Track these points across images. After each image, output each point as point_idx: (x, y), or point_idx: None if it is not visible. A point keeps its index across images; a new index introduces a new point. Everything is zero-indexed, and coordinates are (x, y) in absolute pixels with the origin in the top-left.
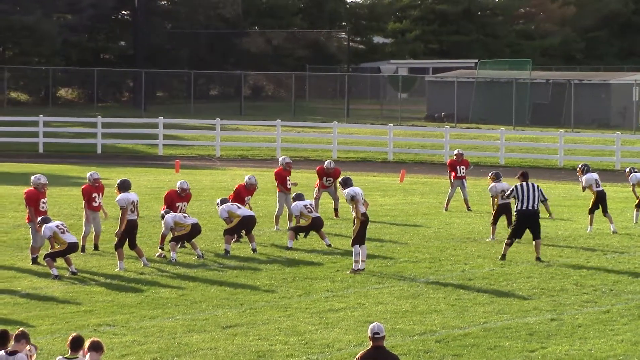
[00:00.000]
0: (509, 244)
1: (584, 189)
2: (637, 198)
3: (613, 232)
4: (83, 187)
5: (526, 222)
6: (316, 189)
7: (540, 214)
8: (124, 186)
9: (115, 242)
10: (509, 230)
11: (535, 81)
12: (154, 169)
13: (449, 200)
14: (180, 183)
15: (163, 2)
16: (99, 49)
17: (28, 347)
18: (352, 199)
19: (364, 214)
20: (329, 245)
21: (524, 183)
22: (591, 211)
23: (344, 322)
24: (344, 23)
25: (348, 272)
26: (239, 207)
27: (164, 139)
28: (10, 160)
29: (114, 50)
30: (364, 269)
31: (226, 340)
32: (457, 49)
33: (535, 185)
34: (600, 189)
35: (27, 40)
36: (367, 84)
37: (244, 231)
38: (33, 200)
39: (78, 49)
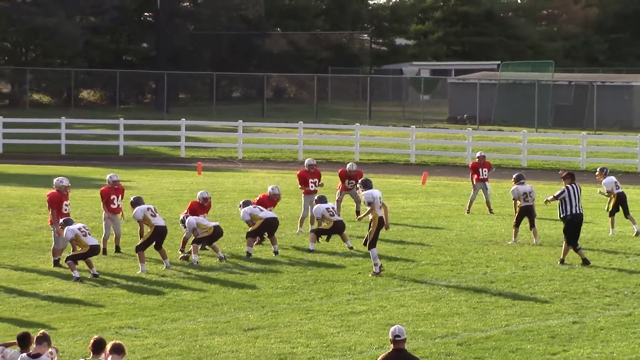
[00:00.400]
0: (567, 249)
1: (608, 193)
2: None
3: (636, 234)
4: (102, 189)
5: (576, 225)
6: (338, 191)
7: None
8: (137, 203)
9: (137, 245)
10: (564, 236)
11: (558, 83)
12: (176, 171)
13: (471, 202)
14: (201, 193)
15: (185, 4)
16: (121, 50)
17: (50, 350)
18: (370, 204)
19: (381, 218)
20: (351, 248)
21: (573, 185)
22: (612, 214)
23: (366, 325)
24: (366, 25)
25: (370, 275)
26: (261, 210)
27: (186, 141)
28: (33, 162)
29: (137, 52)
30: (380, 272)
31: (248, 342)
32: (480, 50)
33: (579, 186)
34: (620, 190)
35: (50, 42)
36: (389, 86)
37: (266, 233)
38: (55, 203)
39: (100, 51)
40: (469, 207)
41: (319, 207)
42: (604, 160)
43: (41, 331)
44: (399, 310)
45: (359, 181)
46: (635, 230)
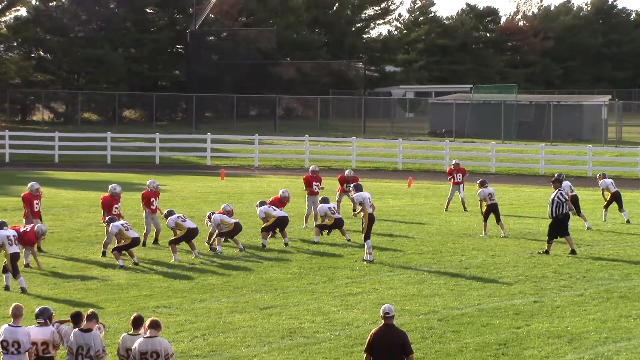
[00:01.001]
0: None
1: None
2: (605, 200)
3: (587, 229)
4: (143, 192)
5: (563, 222)
6: (338, 193)
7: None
8: (170, 214)
9: (170, 239)
10: (551, 231)
11: (521, 103)
12: (203, 176)
13: (448, 202)
14: (225, 205)
15: (211, 38)
16: (157, 77)
17: (98, 325)
18: (361, 204)
19: (371, 214)
20: (349, 240)
21: (561, 189)
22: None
23: (362, 304)
24: (361, 55)
25: (362, 261)
26: (274, 209)
27: (211, 152)
28: (84, 170)
29: (170, 78)
30: (372, 260)
31: (263, 319)
32: (455, 76)
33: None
34: (573, 193)
35: (97, 70)
36: (380, 106)
37: (278, 229)
38: (107, 206)
39: (140, 77)
40: (447, 205)
41: (322, 206)
42: (560, 167)
43: (90, 310)
44: (389, 291)
45: (352, 185)
46: (586, 226)
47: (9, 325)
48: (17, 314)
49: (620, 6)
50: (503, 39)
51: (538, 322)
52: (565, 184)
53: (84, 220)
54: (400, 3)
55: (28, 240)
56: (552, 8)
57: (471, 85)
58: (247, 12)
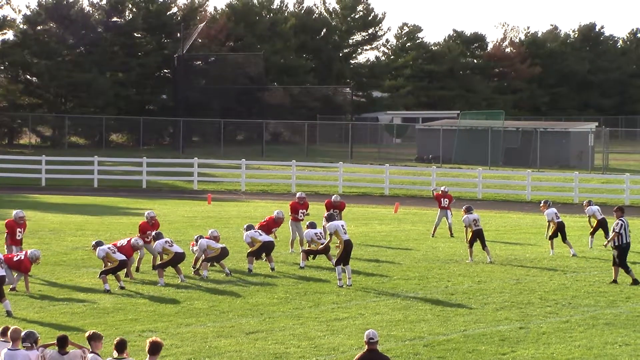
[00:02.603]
0: (617, 271)
1: (548, 222)
2: (592, 227)
3: (573, 255)
4: (141, 223)
5: (625, 251)
6: (325, 219)
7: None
8: (158, 237)
9: (157, 264)
10: (617, 261)
11: (508, 129)
12: (190, 201)
13: (435, 227)
14: (212, 231)
15: (198, 63)
16: (144, 101)
17: (81, 350)
18: (335, 233)
19: (347, 241)
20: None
21: (623, 218)
22: (551, 238)
23: (347, 329)
24: (348, 80)
25: (346, 286)
26: (261, 234)
27: (198, 176)
28: (70, 194)
29: (157, 102)
30: (351, 285)
31: (249, 344)
32: (443, 102)
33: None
34: (559, 220)
35: (85, 94)
36: (368, 131)
37: (264, 253)
38: (10, 230)
39: (127, 101)
40: (434, 231)
41: (308, 232)
42: (546, 193)
43: (92, 331)
44: (375, 317)
45: (324, 215)
46: (572, 252)
47: (9, 349)
48: (15, 337)
49: (607, 33)
50: (490, 65)
51: (524, 349)
52: (551, 210)
53: (71, 243)
54: (388, 29)
55: (24, 268)
56: (539, 34)
57: (458, 112)
58: (235, 37)
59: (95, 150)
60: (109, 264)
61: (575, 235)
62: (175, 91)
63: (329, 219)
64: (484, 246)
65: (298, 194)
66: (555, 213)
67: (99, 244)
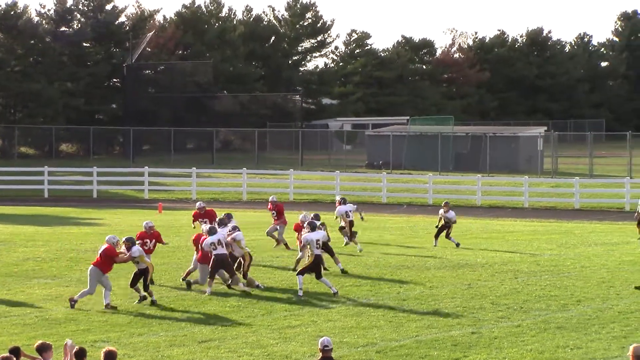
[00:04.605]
0: None
1: (336, 217)
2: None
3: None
4: (138, 233)
5: None
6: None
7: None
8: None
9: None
10: None
11: (457, 134)
12: (141, 210)
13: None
14: (146, 223)
15: (147, 72)
16: (94, 110)
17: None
18: (305, 245)
19: (318, 255)
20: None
21: None
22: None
23: (300, 337)
24: (298, 87)
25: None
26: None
27: (149, 185)
28: (20, 204)
29: (107, 111)
30: (336, 292)
31: (202, 352)
32: (392, 108)
33: None
34: (350, 219)
35: (34, 104)
36: (318, 138)
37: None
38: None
39: (76, 111)
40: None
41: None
42: (496, 197)
43: (39, 342)
44: (327, 324)
45: (306, 223)
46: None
47: None
48: None
49: (554, 37)
50: (439, 71)
51: (476, 353)
52: (344, 207)
53: (21, 254)
54: (337, 36)
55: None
56: (487, 40)
57: (408, 117)
58: (184, 45)
59: (45, 161)
60: (136, 264)
61: (526, 240)
62: (124, 100)
63: (311, 227)
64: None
65: (197, 204)
66: (347, 211)
67: (131, 240)
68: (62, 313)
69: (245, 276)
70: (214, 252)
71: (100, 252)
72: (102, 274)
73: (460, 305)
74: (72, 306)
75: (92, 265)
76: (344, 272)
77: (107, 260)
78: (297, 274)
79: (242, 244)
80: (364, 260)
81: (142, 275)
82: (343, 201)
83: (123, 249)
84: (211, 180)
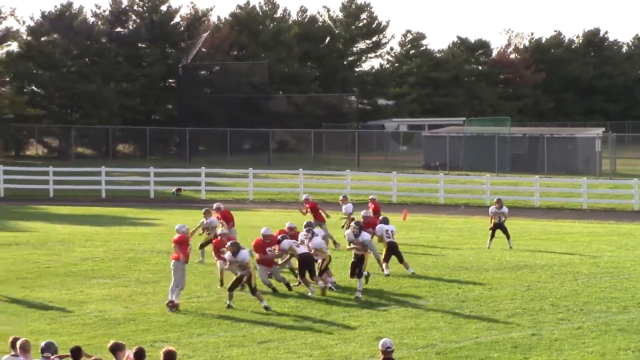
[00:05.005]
0: None
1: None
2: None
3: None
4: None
5: None
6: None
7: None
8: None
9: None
10: None
11: (514, 135)
12: (197, 210)
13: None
14: (264, 229)
15: (203, 72)
16: (149, 111)
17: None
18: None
19: (301, 254)
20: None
21: None
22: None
23: (359, 338)
24: (353, 88)
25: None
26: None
27: (205, 186)
28: (78, 204)
29: (163, 112)
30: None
31: (261, 353)
32: (448, 109)
33: None
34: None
35: (89, 104)
36: (374, 139)
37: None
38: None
39: (132, 111)
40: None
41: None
42: (555, 199)
43: (113, 342)
44: (386, 325)
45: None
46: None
47: None
48: (26, 349)
49: (611, 38)
50: (495, 72)
51: (536, 355)
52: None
53: (80, 254)
54: (392, 36)
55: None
56: (544, 40)
57: (464, 118)
58: (239, 46)
59: (102, 161)
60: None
61: (585, 241)
62: (180, 101)
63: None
64: (400, 260)
65: (263, 230)
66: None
67: (235, 245)
68: (121, 313)
69: (321, 274)
70: (299, 252)
71: (174, 244)
72: (183, 265)
73: (519, 307)
74: (173, 310)
75: (173, 260)
76: (368, 276)
77: (181, 249)
78: (356, 277)
79: (324, 248)
80: (422, 261)
81: (240, 281)
82: (385, 220)
83: (228, 253)
84: (268, 180)
